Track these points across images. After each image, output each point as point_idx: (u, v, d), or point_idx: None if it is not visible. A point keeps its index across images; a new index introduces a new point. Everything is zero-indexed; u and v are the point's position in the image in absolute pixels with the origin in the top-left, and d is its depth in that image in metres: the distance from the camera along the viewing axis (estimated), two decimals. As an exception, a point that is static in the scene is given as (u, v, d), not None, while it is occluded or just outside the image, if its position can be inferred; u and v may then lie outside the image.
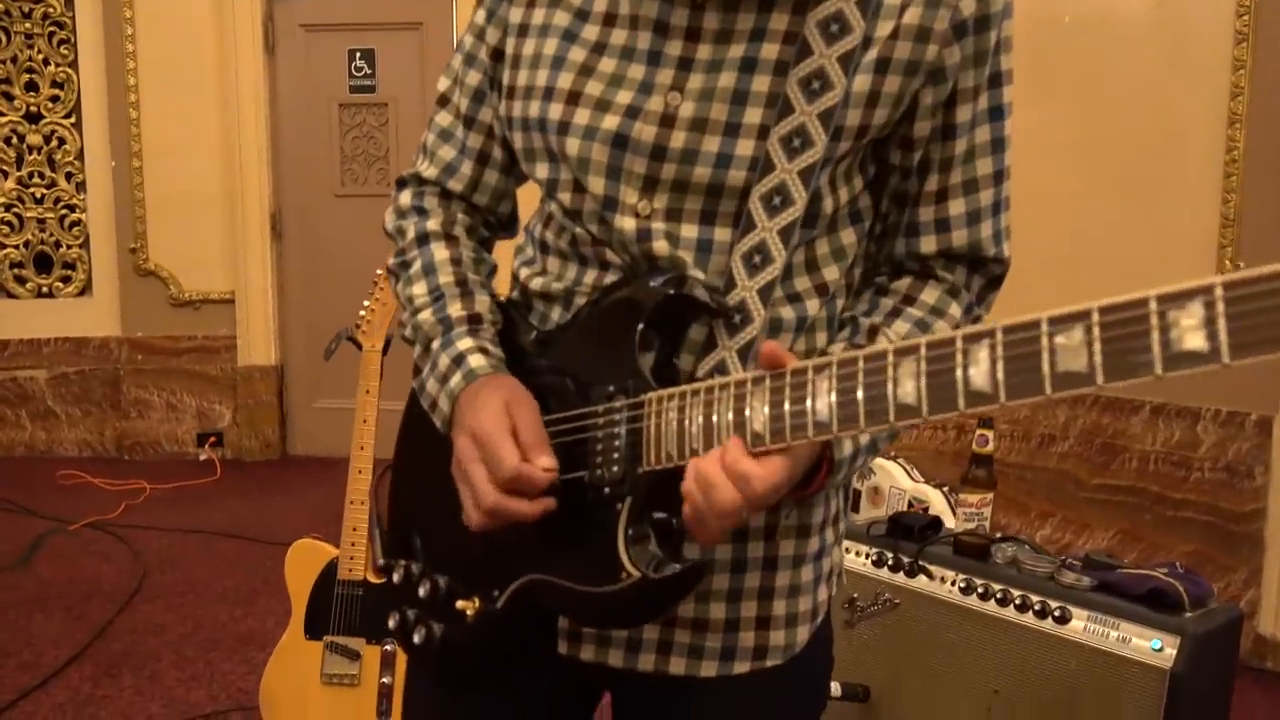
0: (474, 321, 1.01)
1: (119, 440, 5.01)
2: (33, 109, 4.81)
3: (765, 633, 0.98)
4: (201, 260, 4.95)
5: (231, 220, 4.93)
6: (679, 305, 0.90)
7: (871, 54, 0.87)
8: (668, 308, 0.90)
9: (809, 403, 0.76)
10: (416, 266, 1.05)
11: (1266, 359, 0.60)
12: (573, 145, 0.94)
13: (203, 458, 4.96)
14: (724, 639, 0.97)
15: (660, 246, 0.92)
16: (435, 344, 1.00)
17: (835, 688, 1.88)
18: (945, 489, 3.45)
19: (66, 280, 4.95)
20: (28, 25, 4.74)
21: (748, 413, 0.79)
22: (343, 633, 2.03)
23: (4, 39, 4.74)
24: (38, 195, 4.87)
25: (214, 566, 3.55)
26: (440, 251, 1.05)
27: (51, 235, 4.92)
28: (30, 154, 4.84)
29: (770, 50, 0.89)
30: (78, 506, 4.13)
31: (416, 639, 1.00)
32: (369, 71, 4.91)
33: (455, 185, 1.08)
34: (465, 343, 0.98)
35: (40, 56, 4.78)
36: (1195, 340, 0.59)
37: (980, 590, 1.73)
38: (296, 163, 5.00)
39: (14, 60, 4.76)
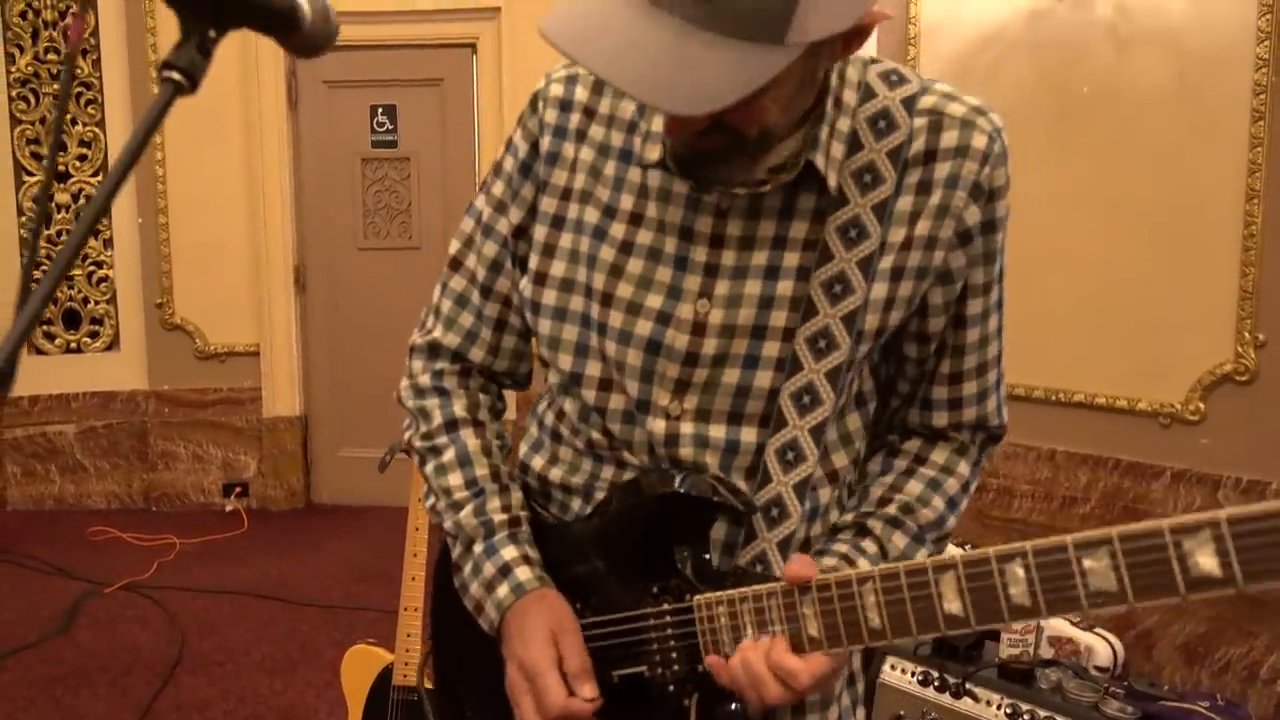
0: (514, 525, 1.05)
1: (146, 492, 5.07)
2: (61, 168, 4.88)
3: None
4: (227, 314, 5.02)
5: (256, 274, 5.00)
6: (705, 506, 0.95)
7: (887, 261, 0.94)
8: (695, 507, 0.95)
9: (860, 614, 0.83)
10: (450, 455, 1.08)
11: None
12: (610, 347, 0.98)
13: (229, 508, 5.02)
14: None
15: (686, 452, 0.97)
16: (478, 547, 1.04)
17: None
18: (968, 546, 3.51)
19: (94, 335, 5.02)
20: (56, 87, 4.82)
21: (800, 622, 0.86)
22: (398, 737, 2.08)
23: (33, 100, 4.81)
24: (66, 253, 4.93)
25: (249, 630, 3.60)
26: (471, 440, 1.08)
27: (79, 291, 4.99)
28: (59, 212, 4.91)
29: (793, 258, 0.95)
30: (111, 565, 4.19)
31: None
32: (391, 127, 4.98)
33: (476, 354, 1.11)
34: (510, 551, 1.02)
35: (68, 117, 4.85)
36: (1211, 567, 0.68)
37: (1026, 716, 1.79)
38: (320, 217, 5.07)
39: (43, 121, 4.83)
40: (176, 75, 0.66)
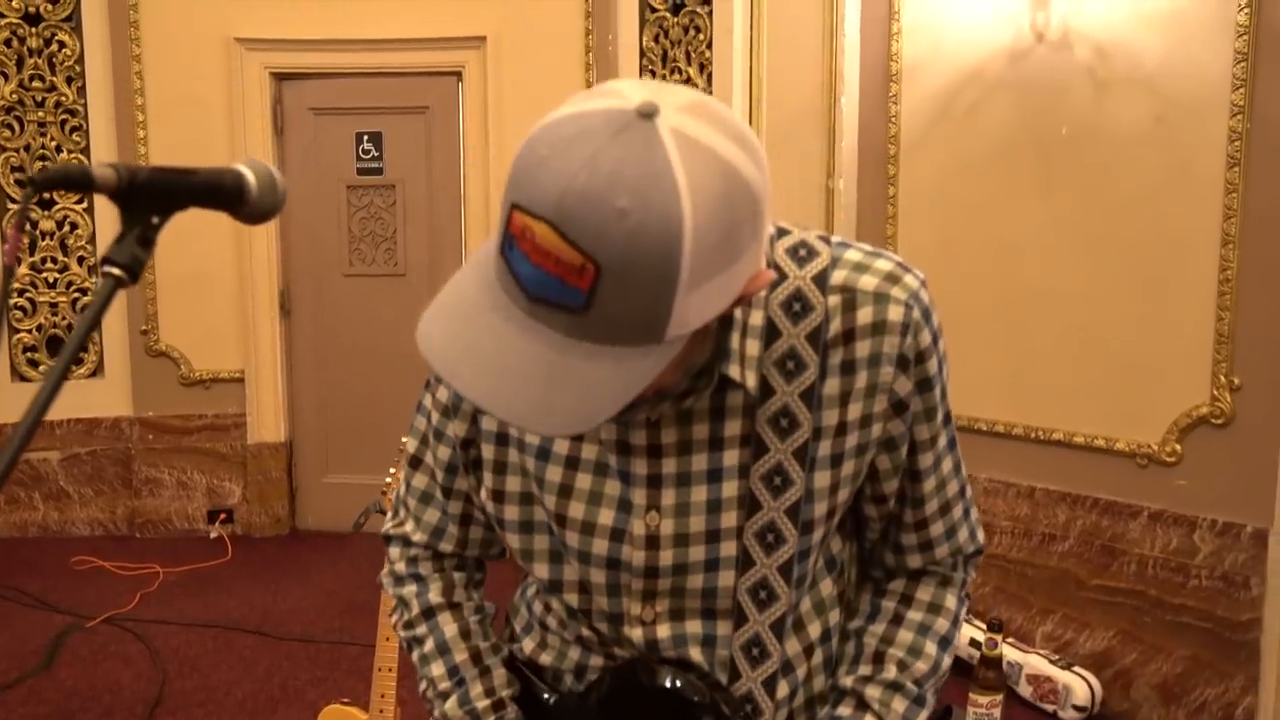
0: (499, 708, 1.09)
1: (131, 518, 5.07)
2: (45, 196, 4.88)
3: None
4: (212, 340, 5.03)
5: (241, 300, 5.00)
6: (687, 705, 0.98)
7: (825, 448, 0.94)
8: (679, 706, 0.98)
9: None
10: (430, 645, 1.12)
11: None
12: (574, 564, 1.00)
13: (213, 535, 5.02)
14: None
15: (668, 650, 1.00)
16: None
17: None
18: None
19: (79, 362, 5.02)
20: (41, 114, 4.81)
21: None
22: (374, 798, 2.09)
23: (18, 127, 4.81)
24: (50, 280, 4.94)
25: (231, 668, 3.61)
26: (449, 626, 1.12)
27: (64, 318, 4.99)
28: (43, 240, 4.91)
29: (731, 456, 0.94)
30: (93, 596, 4.19)
31: None
32: (376, 154, 4.99)
33: (445, 546, 1.14)
34: None
35: (53, 144, 4.85)
36: None
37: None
38: (305, 243, 5.08)
39: (27, 148, 4.83)
40: (117, 271, 0.68)
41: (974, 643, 2.97)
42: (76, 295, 4.98)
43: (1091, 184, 3.36)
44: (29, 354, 4.98)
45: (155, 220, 0.69)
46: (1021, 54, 3.51)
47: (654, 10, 4.36)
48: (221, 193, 0.73)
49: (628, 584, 0.98)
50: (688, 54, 4.27)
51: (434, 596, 1.13)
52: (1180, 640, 3.23)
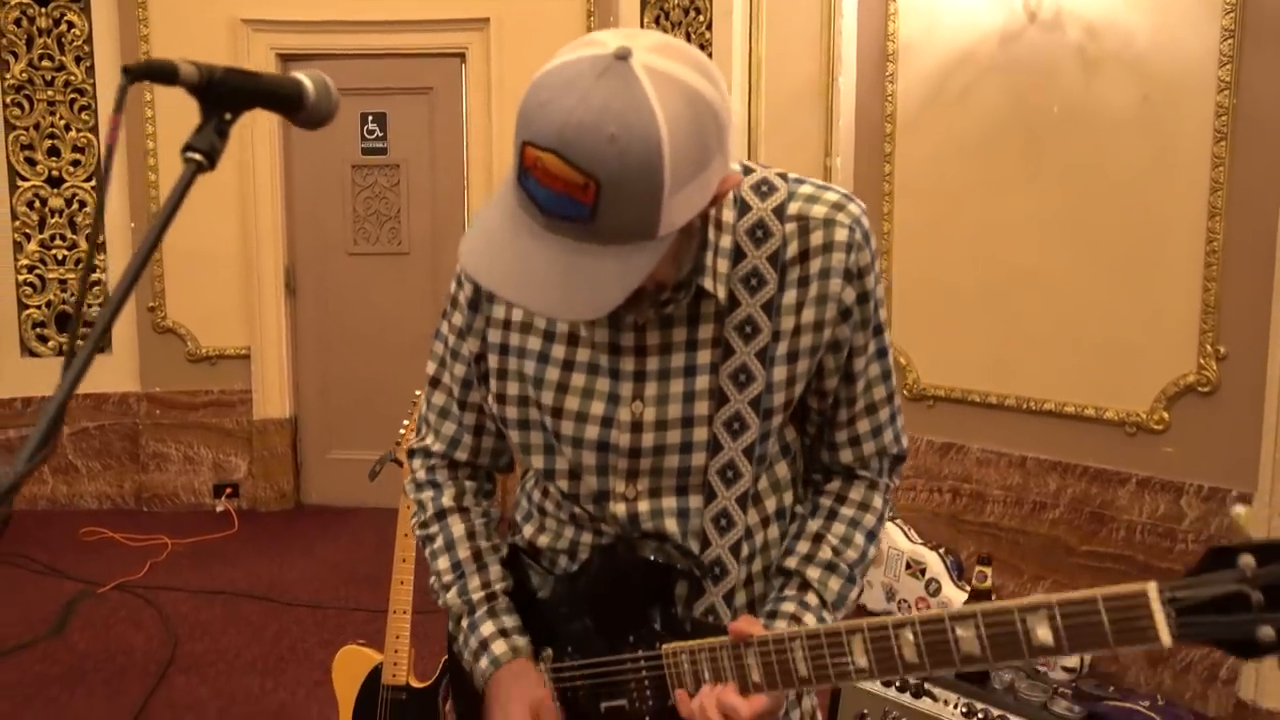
0: (491, 599, 1.26)
1: (138, 493, 5.14)
2: (54, 173, 4.95)
3: None
4: (218, 317, 5.10)
5: (247, 278, 5.08)
6: (668, 571, 1.17)
7: (782, 348, 1.12)
8: (659, 573, 1.17)
9: (792, 665, 1.03)
10: (439, 542, 1.29)
11: (1098, 653, 0.86)
12: (567, 451, 1.18)
13: (219, 509, 5.10)
14: None
15: (646, 523, 1.17)
16: (464, 622, 1.26)
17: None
18: (941, 550, 3.62)
19: (86, 338, 5.08)
20: (50, 93, 4.88)
21: (746, 670, 1.07)
22: (387, 735, 2.17)
23: (27, 106, 4.88)
24: (59, 257, 5.01)
25: (240, 632, 3.69)
26: (457, 526, 1.29)
27: (72, 295, 5.06)
28: (52, 217, 4.98)
29: (704, 355, 1.13)
30: (104, 565, 4.27)
31: None
32: (380, 134, 5.06)
33: (460, 455, 1.31)
34: (487, 627, 1.24)
35: (62, 123, 4.92)
36: (1046, 638, 0.88)
37: (980, 715, 1.90)
38: (310, 222, 5.15)
39: (36, 127, 4.90)
40: (198, 156, 0.76)
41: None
42: (85, 272, 5.05)
43: (1081, 162, 3.44)
44: (38, 329, 5.05)
45: (228, 116, 0.77)
46: (1014, 35, 3.59)
47: (655, -8, 4.44)
48: (283, 97, 0.81)
49: (615, 464, 1.15)
50: (688, 35, 4.34)
51: (446, 501, 1.30)
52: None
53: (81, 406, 5.07)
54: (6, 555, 4.37)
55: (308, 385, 5.27)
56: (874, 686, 2.07)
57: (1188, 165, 3.18)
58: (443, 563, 1.28)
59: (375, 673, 2.22)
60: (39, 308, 5.03)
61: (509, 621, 1.25)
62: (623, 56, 0.89)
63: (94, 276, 5.07)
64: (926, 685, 1.98)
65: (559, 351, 1.16)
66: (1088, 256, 3.44)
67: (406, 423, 2.32)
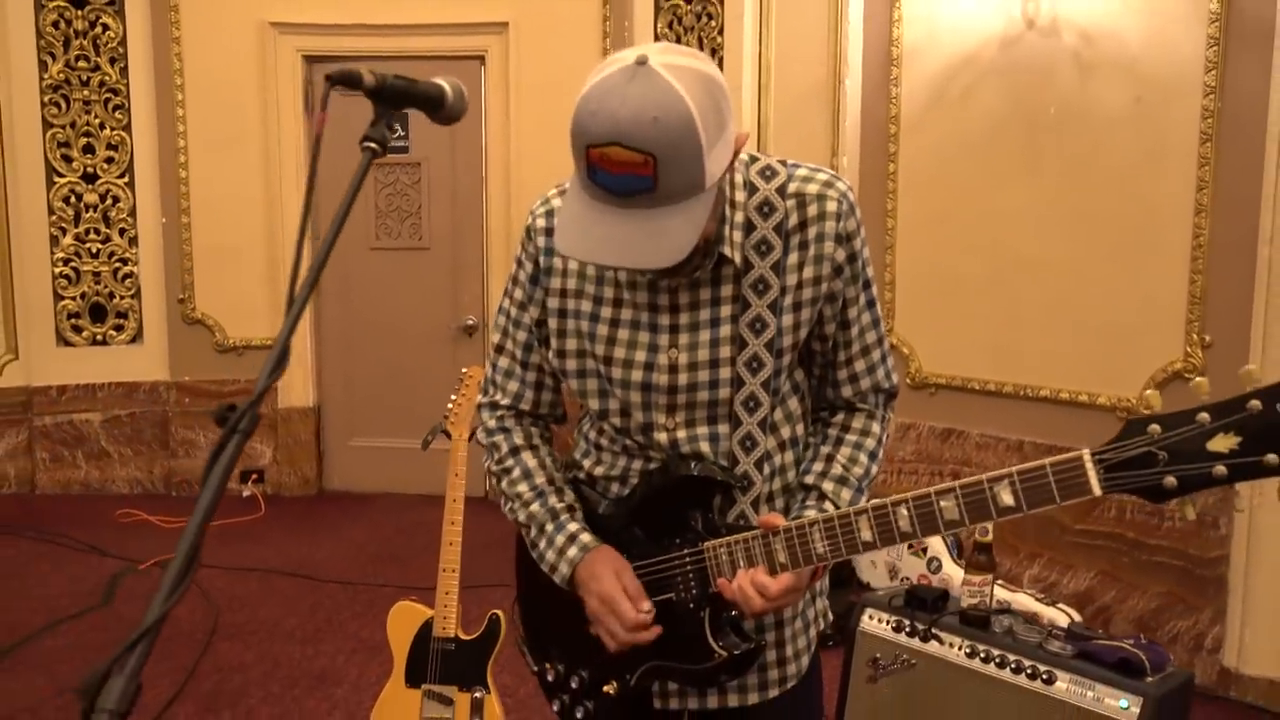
0: (571, 511, 1.50)
1: (167, 478, 5.34)
2: (89, 170, 5.15)
3: (784, 667, 1.50)
4: (245, 309, 5.30)
5: (273, 271, 5.27)
6: (705, 482, 1.41)
7: (788, 300, 1.38)
8: (699, 484, 1.41)
9: (811, 545, 1.30)
10: (517, 472, 1.53)
11: (1048, 509, 1.13)
12: (618, 392, 1.43)
13: (246, 494, 5.29)
14: (759, 677, 1.49)
15: (685, 447, 1.42)
16: (549, 527, 1.48)
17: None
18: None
19: (119, 329, 5.29)
20: (86, 93, 5.08)
21: (773, 554, 1.33)
22: (439, 682, 2.37)
23: (64, 105, 5.07)
24: (94, 250, 5.21)
25: (277, 604, 3.88)
26: (531, 460, 1.54)
27: (105, 287, 5.25)
28: (87, 212, 5.18)
29: (725, 310, 1.39)
30: (141, 545, 4.46)
31: (579, 715, 1.49)
32: (402, 133, 5.26)
33: (524, 406, 1.57)
34: (573, 525, 1.48)
35: (97, 121, 5.11)
36: (1009, 500, 1.14)
37: (983, 655, 2.10)
38: (334, 217, 5.32)
39: (73, 125, 5.10)
40: (374, 145, 0.96)
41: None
42: (118, 265, 5.25)
43: (1076, 161, 3.64)
44: (73, 320, 5.24)
45: (394, 112, 0.97)
46: (1013, 40, 3.79)
47: (669, -2, 4.64)
48: (431, 98, 1.02)
49: (656, 401, 1.41)
50: (700, 40, 4.54)
51: (518, 439, 1.56)
52: (1155, 578, 3.51)
53: (114, 395, 5.27)
54: (49, 534, 4.57)
55: (331, 375, 5.47)
56: (886, 631, 2.27)
57: (1177, 164, 3.38)
58: (523, 487, 1.52)
59: (426, 626, 2.41)
60: (74, 299, 5.22)
61: (588, 527, 1.49)
62: (642, 62, 1.14)
63: (126, 269, 5.26)
64: (934, 630, 2.17)
65: (607, 312, 1.42)
66: (1082, 250, 3.64)
67: (454, 397, 2.51)
